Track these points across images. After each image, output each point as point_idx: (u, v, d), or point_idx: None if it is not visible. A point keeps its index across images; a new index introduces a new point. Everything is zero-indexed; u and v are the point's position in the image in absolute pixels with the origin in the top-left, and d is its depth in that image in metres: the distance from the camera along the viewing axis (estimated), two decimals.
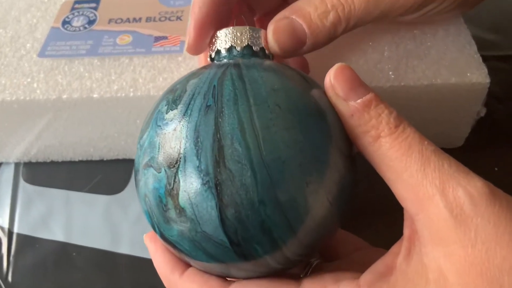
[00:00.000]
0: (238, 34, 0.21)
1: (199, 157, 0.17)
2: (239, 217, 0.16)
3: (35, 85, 0.29)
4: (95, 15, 0.33)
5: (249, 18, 0.27)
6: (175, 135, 0.17)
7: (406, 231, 0.18)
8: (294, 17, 0.22)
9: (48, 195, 0.32)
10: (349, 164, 0.18)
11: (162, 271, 0.20)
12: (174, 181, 0.17)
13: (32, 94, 0.29)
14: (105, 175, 0.32)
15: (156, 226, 0.19)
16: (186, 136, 0.17)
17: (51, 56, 0.30)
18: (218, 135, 0.17)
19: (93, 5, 0.34)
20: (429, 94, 0.27)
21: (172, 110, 0.18)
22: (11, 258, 0.29)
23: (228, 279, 0.20)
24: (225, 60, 0.21)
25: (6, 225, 0.31)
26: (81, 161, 0.33)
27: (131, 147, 0.32)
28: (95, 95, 0.28)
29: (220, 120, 0.17)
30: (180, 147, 0.17)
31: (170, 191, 0.17)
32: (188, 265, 0.20)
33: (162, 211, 0.18)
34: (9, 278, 0.28)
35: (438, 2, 0.25)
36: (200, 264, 0.19)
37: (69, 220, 0.31)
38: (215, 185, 0.16)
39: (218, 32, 0.22)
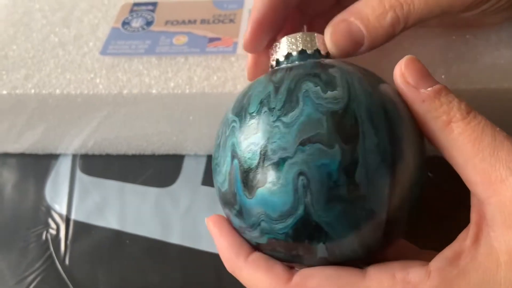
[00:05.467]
0: (308, 38, 0.22)
1: (377, 135, 0.18)
2: (402, 196, 0.18)
3: (97, 80, 0.31)
4: (152, 17, 0.35)
5: (301, 22, 0.28)
6: (348, 112, 0.18)
7: (473, 216, 0.18)
8: (352, 19, 0.23)
9: (103, 185, 0.33)
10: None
11: (227, 254, 0.21)
12: (352, 156, 0.17)
13: (95, 88, 0.30)
14: (157, 169, 0.34)
15: (302, 206, 0.18)
16: (361, 115, 0.18)
17: (112, 54, 0.32)
18: (387, 115, 0.18)
19: (151, 7, 0.36)
20: (482, 99, 0.27)
21: (332, 92, 0.19)
22: (68, 243, 0.31)
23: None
24: (297, 62, 0.22)
25: (64, 212, 0.32)
26: (134, 155, 0.35)
27: (182, 143, 0.34)
28: (153, 91, 0.30)
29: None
30: (357, 124, 0.18)
31: (346, 167, 0.17)
32: (252, 250, 0.20)
33: (328, 189, 0.17)
34: (66, 261, 0.30)
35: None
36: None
37: (122, 209, 0.32)
38: (392, 163, 0.18)
39: (285, 37, 0.23)
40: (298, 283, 0.19)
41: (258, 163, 0.18)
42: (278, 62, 0.23)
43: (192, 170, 0.33)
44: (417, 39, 0.29)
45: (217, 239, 0.21)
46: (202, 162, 0.34)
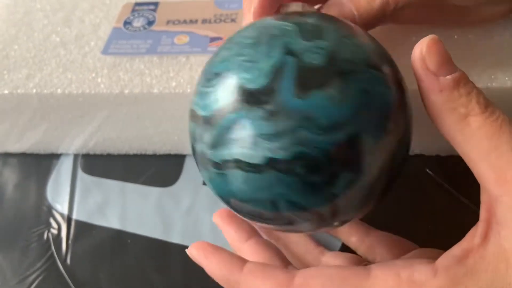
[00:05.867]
0: (308, 9, 0.23)
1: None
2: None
3: (99, 80, 0.31)
4: (154, 16, 0.35)
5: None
6: None
7: (483, 213, 0.18)
8: (344, 1, 0.23)
9: (105, 185, 0.33)
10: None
11: (220, 274, 0.20)
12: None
13: (97, 88, 0.30)
14: (158, 169, 0.34)
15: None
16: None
17: (113, 54, 0.32)
18: None
19: (152, 7, 0.36)
20: None
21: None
22: (69, 242, 0.31)
23: (290, 268, 0.20)
24: None
25: (65, 212, 0.32)
26: (135, 155, 0.35)
27: (183, 142, 0.34)
28: (155, 91, 0.30)
29: None
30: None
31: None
32: (245, 261, 0.20)
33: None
34: (68, 261, 0.30)
35: None
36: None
37: (124, 209, 0.32)
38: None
39: (286, 4, 0.23)
40: (301, 284, 0.18)
41: (325, 66, 0.17)
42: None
43: (193, 170, 0.33)
44: (419, 39, 0.29)
45: (205, 263, 0.20)
46: None
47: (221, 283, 0.20)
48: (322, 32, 0.19)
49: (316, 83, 0.17)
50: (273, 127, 0.17)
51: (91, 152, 0.35)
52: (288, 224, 0.20)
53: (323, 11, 0.24)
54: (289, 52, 0.18)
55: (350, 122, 0.17)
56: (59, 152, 0.36)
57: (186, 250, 0.21)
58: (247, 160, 0.18)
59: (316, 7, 0.27)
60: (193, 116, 0.20)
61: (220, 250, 0.20)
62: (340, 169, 0.18)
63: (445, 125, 0.18)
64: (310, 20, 0.19)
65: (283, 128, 0.17)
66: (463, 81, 0.18)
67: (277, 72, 0.17)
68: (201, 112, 0.19)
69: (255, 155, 0.17)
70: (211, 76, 0.20)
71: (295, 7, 0.23)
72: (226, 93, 0.18)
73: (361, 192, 0.19)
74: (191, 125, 0.21)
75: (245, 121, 0.18)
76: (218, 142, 0.18)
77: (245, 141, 0.18)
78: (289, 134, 0.17)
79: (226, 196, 0.20)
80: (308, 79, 0.17)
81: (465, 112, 0.17)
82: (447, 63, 0.18)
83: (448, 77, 0.18)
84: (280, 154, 0.17)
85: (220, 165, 0.19)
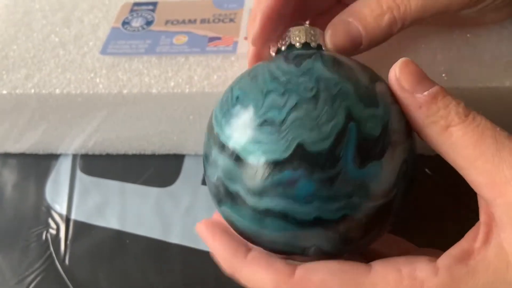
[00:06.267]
0: (312, 32, 0.23)
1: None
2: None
3: (97, 80, 0.31)
4: (152, 16, 0.35)
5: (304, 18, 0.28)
6: None
7: (482, 216, 0.18)
8: (351, 20, 0.23)
9: (104, 185, 0.33)
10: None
11: (223, 256, 0.20)
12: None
13: (95, 88, 0.30)
14: (157, 169, 0.34)
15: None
16: None
17: (112, 54, 0.32)
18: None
19: (151, 7, 0.36)
20: (483, 97, 0.27)
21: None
22: (68, 243, 0.31)
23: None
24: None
25: (64, 212, 0.32)
26: (134, 155, 0.35)
27: (182, 142, 0.34)
28: (153, 91, 0.30)
29: None
30: None
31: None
32: (248, 250, 0.20)
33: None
34: (66, 262, 0.30)
35: None
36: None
37: (123, 209, 0.32)
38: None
39: (291, 28, 0.23)
40: (301, 278, 0.18)
41: (380, 136, 0.18)
42: (279, 51, 0.23)
43: (192, 170, 0.33)
44: (418, 38, 0.29)
45: (211, 242, 0.21)
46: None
47: (223, 265, 0.20)
48: (376, 97, 0.19)
49: (374, 154, 0.18)
50: (330, 191, 0.18)
51: (90, 152, 0.35)
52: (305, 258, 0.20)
53: (330, 31, 0.23)
54: (351, 118, 0.18)
55: (392, 190, 0.19)
56: (58, 152, 0.36)
57: (196, 224, 0.22)
58: (295, 215, 0.18)
59: (307, 22, 0.27)
60: (237, 158, 0.19)
61: (228, 233, 0.21)
62: (374, 227, 0.19)
63: (430, 138, 0.19)
64: (362, 78, 0.20)
65: (339, 194, 0.18)
66: (440, 95, 0.18)
67: (339, 138, 0.18)
68: (250, 157, 0.18)
69: (305, 213, 0.18)
70: (266, 120, 0.18)
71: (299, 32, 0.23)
72: (283, 147, 0.18)
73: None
74: (229, 164, 0.19)
75: (302, 180, 0.18)
76: (266, 192, 0.18)
77: (298, 199, 0.18)
78: (344, 199, 0.18)
79: (249, 231, 0.20)
80: (367, 149, 0.18)
81: (445, 123, 0.18)
82: (422, 81, 0.19)
83: (425, 93, 0.18)
84: (329, 215, 0.18)
85: (260, 211, 0.19)
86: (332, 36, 0.23)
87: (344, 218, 0.18)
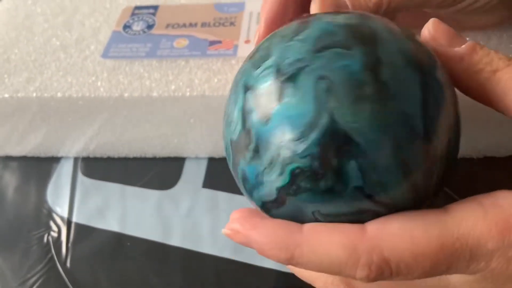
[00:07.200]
0: None
1: (397, 41, 0.18)
2: (436, 106, 0.17)
3: (99, 83, 0.31)
4: (153, 20, 0.35)
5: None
6: (364, 24, 0.18)
7: None
8: None
9: (104, 188, 0.34)
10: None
11: (275, 239, 0.17)
12: (374, 56, 0.17)
13: (96, 91, 0.31)
14: (158, 172, 0.34)
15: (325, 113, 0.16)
16: (377, 27, 0.18)
17: (113, 57, 0.32)
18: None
19: (152, 11, 0.36)
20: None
21: (344, 14, 0.19)
22: (69, 245, 0.31)
23: None
24: None
25: (65, 215, 0.33)
26: (135, 158, 0.35)
27: (182, 145, 0.34)
28: (154, 94, 0.30)
29: None
30: (375, 33, 0.18)
31: (368, 66, 0.16)
32: (300, 225, 0.17)
33: (354, 88, 0.16)
34: (68, 264, 0.30)
35: None
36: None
37: (124, 212, 0.32)
38: (419, 65, 0.17)
39: None
40: (377, 231, 0.16)
41: (273, 81, 0.17)
42: None
43: (193, 173, 0.33)
44: None
45: (255, 234, 0.17)
46: (203, 165, 0.34)
47: (278, 253, 0.17)
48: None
49: (274, 103, 0.17)
50: (261, 163, 0.17)
51: (91, 155, 0.35)
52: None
53: (318, 2, 0.23)
54: (246, 87, 0.18)
55: (317, 117, 0.17)
56: (59, 155, 0.36)
57: (223, 230, 0.18)
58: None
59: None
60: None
61: (268, 217, 0.18)
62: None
63: (476, 87, 0.19)
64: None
65: (269, 159, 0.17)
66: (478, 46, 0.19)
67: (244, 113, 0.18)
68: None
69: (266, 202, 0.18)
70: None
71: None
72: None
73: None
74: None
75: (243, 168, 0.18)
76: None
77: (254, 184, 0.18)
78: (276, 160, 0.17)
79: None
80: (265, 103, 0.17)
81: (491, 69, 0.18)
82: (456, 36, 0.19)
83: (463, 46, 0.19)
84: (281, 181, 0.17)
85: None
86: (321, 10, 0.23)
87: (293, 176, 0.17)
